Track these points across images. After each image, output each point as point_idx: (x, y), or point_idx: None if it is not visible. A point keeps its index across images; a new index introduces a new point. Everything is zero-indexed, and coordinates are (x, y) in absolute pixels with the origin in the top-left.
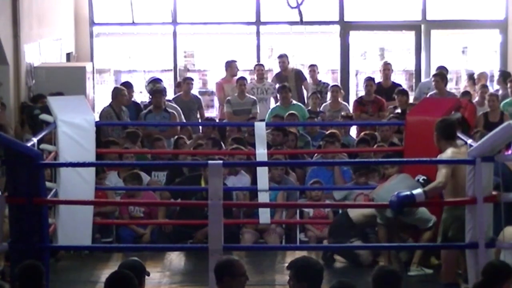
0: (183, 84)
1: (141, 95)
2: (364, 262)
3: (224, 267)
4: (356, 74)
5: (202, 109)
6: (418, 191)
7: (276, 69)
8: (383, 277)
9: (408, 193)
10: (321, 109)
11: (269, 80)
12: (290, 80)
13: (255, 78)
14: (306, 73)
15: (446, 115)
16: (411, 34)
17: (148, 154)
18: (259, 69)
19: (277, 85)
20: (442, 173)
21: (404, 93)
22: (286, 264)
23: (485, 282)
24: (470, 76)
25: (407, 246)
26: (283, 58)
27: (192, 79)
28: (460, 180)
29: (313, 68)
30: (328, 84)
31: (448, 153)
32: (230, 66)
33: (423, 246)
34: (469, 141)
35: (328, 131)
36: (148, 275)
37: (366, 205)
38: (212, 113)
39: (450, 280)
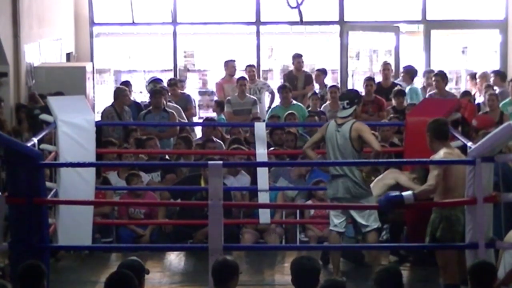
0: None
1: (141, 95)
2: (369, 263)
3: (234, 267)
4: (352, 75)
5: (191, 106)
6: (407, 192)
7: (276, 68)
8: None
9: (398, 193)
10: (321, 109)
11: (273, 79)
12: (299, 81)
13: (247, 79)
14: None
15: (447, 115)
16: (409, 35)
17: (147, 154)
18: (250, 70)
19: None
20: (433, 175)
21: (402, 93)
22: (286, 264)
23: (473, 283)
24: (473, 76)
25: (407, 246)
26: (299, 58)
27: (174, 84)
28: (451, 181)
29: (318, 73)
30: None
31: (441, 154)
32: (227, 65)
33: (422, 246)
34: (469, 143)
35: None
36: (148, 273)
37: (360, 206)
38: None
39: (450, 281)
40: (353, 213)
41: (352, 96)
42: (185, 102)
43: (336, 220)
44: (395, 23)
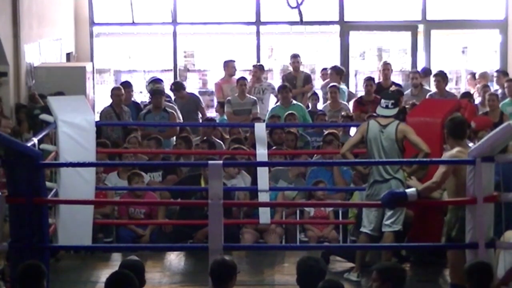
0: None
1: (141, 95)
2: (370, 263)
3: (233, 267)
4: (356, 74)
5: (202, 109)
6: (411, 189)
7: (276, 68)
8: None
9: (401, 190)
10: (321, 109)
11: (273, 79)
12: (298, 80)
13: (253, 78)
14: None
15: (446, 116)
16: (410, 34)
17: (148, 154)
18: (257, 71)
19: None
20: (439, 173)
21: (401, 93)
22: (286, 264)
23: (470, 283)
24: (473, 75)
25: (407, 246)
26: (297, 58)
27: (180, 88)
28: (463, 180)
29: (326, 71)
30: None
31: (452, 153)
32: (228, 66)
33: (422, 246)
34: (470, 144)
35: (327, 131)
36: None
37: (364, 204)
38: (212, 113)
39: (458, 281)
40: (387, 210)
41: (397, 96)
42: (195, 103)
43: (368, 223)
44: (395, 23)
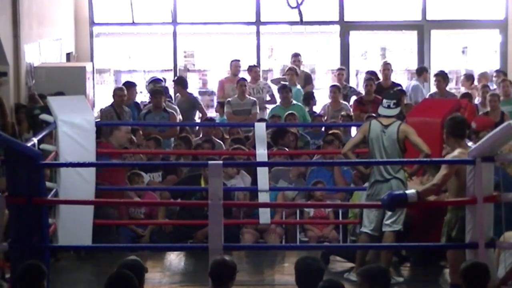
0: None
1: (141, 95)
2: (369, 262)
3: (232, 267)
4: (357, 74)
5: (201, 109)
6: (411, 191)
7: (276, 68)
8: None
9: (401, 192)
10: (320, 109)
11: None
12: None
13: (250, 79)
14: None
15: (446, 116)
16: (412, 34)
17: (147, 154)
18: (254, 71)
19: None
20: (440, 175)
21: (403, 93)
22: (286, 264)
23: (467, 284)
24: (468, 77)
25: (407, 246)
26: (297, 58)
27: (181, 83)
28: (463, 180)
29: (341, 72)
30: (354, 89)
31: (455, 154)
32: (233, 65)
33: (422, 246)
34: (470, 143)
35: (329, 131)
36: (147, 271)
37: (364, 205)
38: (212, 113)
39: (457, 281)
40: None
41: (398, 96)
42: (192, 103)
43: (368, 223)
44: (395, 23)
